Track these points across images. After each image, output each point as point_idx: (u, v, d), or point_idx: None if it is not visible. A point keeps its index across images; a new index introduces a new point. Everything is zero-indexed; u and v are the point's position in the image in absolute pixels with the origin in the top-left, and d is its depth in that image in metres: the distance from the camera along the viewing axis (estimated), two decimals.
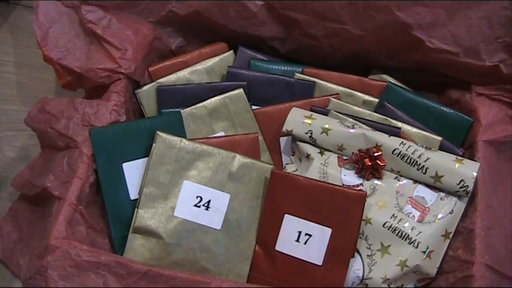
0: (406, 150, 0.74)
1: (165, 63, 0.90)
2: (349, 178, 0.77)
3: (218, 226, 0.74)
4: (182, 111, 0.82)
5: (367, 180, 0.76)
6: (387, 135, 0.76)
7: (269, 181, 0.75)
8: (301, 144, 0.79)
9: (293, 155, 0.82)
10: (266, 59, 0.92)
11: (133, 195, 0.77)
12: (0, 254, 0.80)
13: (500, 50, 0.80)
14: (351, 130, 0.77)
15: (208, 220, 0.74)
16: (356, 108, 0.83)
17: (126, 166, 0.77)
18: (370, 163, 0.75)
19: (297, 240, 0.73)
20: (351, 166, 0.77)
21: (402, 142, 0.75)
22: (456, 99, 0.88)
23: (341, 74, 0.89)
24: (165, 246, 0.73)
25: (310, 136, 0.78)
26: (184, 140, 0.76)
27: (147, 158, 0.76)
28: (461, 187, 0.73)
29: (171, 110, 0.84)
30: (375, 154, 0.75)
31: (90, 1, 0.85)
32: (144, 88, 0.86)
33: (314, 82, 0.87)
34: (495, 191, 0.75)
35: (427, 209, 0.74)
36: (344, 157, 0.78)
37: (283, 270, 0.73)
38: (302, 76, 0.88)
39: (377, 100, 0.85)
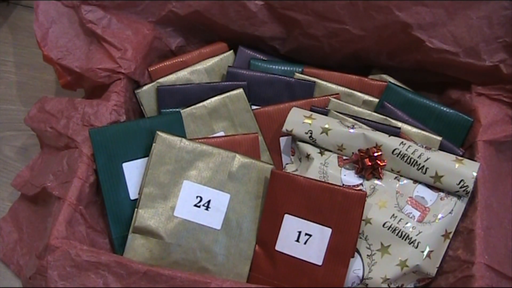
0: (406, 150, 0.74)
1: (165, 63, 0.90)
2: (349, 178, 0.77)
3: (218, 226, 0.74)
4: (182, 111, 0.82)
5: (367, 180, 0.76)
6: (387, 135, 0.76)
7: (269, 181, 0.75)
8: (301, 144, 0.79)
9: (293, 155, 0.82)
10: (266, 59, 0.92)
11: (133, 195, 0.77)
12: (0, 254, 0.80)
13: (500, 50, 0.80)
14: (351, 130, 0.77)
15: (208, 220, 0.74)
16: (356, 108, 0.83)
17: (126, 166, 0.77)
18: (370, 163, 0.75)
19: (297, 240, 0.73)
20: (351, 166, 0.77)
21: (402, 142, 0.75)
22: (456, 99, 0.88)
23: (341, 74, 0.89)
24: (165, 246, 0.73)
25: (310, 136, 0.78)
26: (184, 140, 0.76)
27: (147, 158, 0.76)
28: (461, 187, 0.73)
29: (171, 110, 0.84)
30: (375, 154, 0.75)
31: (90, 1, 0.85)
32: (144, 88, 0.86)
33: (314, 82, 0.87)
34: (495, 191, 0.75)
35: (427, 209, 0.74)
36: (344, 157, 0.78)
37: (283, 270, 0.73)
38: (302, 76, 0.88)
39: (377, 100, 0.85)
